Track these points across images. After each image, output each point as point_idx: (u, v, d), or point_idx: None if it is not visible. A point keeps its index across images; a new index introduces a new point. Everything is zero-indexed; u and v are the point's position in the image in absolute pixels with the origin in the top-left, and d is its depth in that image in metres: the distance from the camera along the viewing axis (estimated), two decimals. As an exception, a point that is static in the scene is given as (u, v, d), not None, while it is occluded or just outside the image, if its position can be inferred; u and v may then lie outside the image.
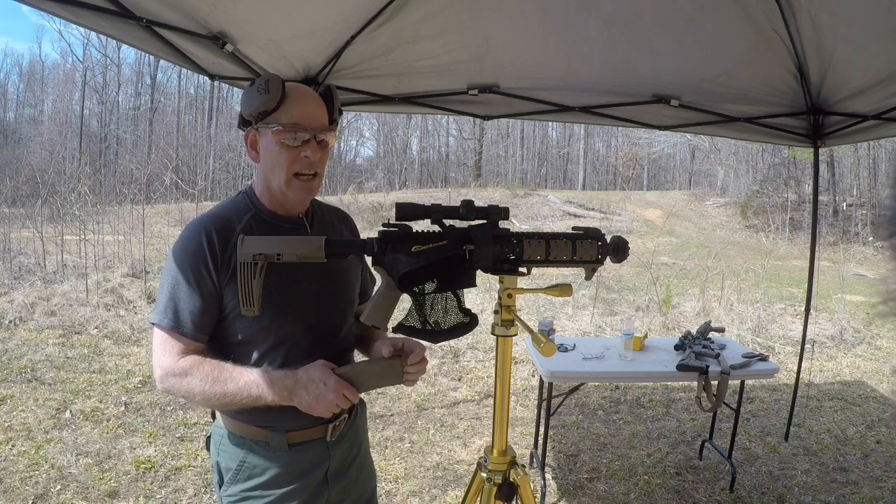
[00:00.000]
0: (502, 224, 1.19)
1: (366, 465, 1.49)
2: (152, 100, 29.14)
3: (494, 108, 3.46)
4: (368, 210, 16.26)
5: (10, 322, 5.63)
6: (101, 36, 16.38)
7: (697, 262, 10.87)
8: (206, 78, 2.78)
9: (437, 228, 1.17)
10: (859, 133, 3.26)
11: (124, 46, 24.43)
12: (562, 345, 3.19)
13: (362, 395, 1.31)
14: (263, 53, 2.65)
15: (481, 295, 7.15)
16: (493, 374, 1.30)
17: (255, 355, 1.26)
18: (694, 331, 3.39)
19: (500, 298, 1.21)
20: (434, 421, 3.93)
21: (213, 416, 1.36)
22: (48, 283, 7.01)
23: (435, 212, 1.15)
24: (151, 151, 21.18)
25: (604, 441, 3.68)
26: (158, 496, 2.84)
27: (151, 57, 11.06)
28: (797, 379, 3.80)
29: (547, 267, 1.20)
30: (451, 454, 3.44)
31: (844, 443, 3.75)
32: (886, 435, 3.90)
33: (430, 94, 3.31)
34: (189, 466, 3.13)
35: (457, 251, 1.13)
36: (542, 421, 3.09)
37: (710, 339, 3.30)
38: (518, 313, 1.24)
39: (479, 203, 1.19)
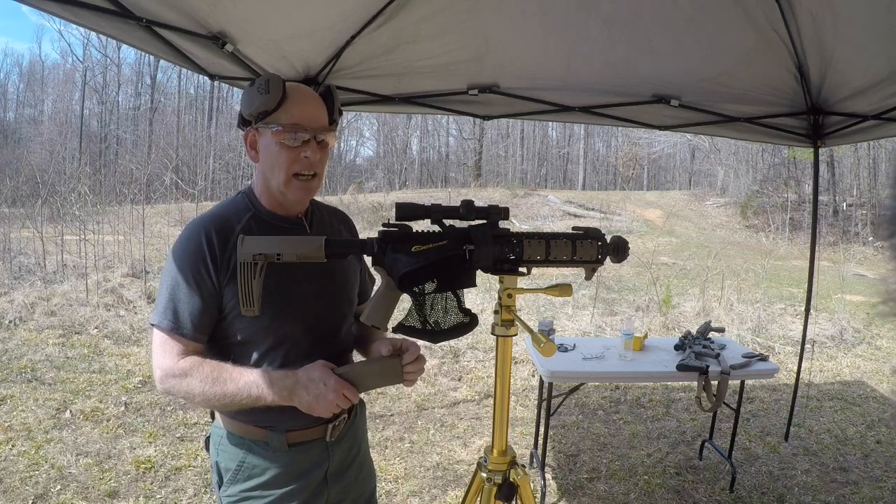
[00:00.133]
0: (502, 224, 1.18)
1: (365, 465, 1.49)
2: (152, 100, 29.15)
3: (494, 108, 3.46)
4: (368, 210, 16.26)
5: (10, 322, 5.63)
6: (101, 36, 16.38)
7: (697, 262, 10.88)
8: (206, 78, 2.78)
9: (437, 228, 1.17)
10: (859, 133, 3.26)
11: (124, 46, 24.44)
12: (562, 345, 3.19)
13: (362, 395, 1.31)
14: (263, 53, 2.65)
15: (481, 295, 7.15)
16: (493, 374, 1.30)
17: (254, 355, 1.25)
18: (694, 331, 3.39)
19: (500, 298, 1.21)
20: (434, 421, 3.93)
21: (213, 417, 1.36)
22: (48, 283, 7.01)
23: (435, 212, 1.15)
24: (151, 151, 21.19)
25: (604, 441, 3.68)
26: (158, 496, 2.84)
27: (151, 57, 11.06)
28: (797, 379, 3.80)
29: (547, 267, 1.20)
30: (451, 454, 3.44)
31: (844, 443, 3.75)
32: (886, 435, 3.90)
33: (430, 94, 3.31)
34: (189, 466, 3.13)
35: (457, 251, 1.13)
36: (542, 421, 3.09)
37: (710, 339, 3.30)
38: (518, 313, 1.24)
39: (479, 203, 1.19)
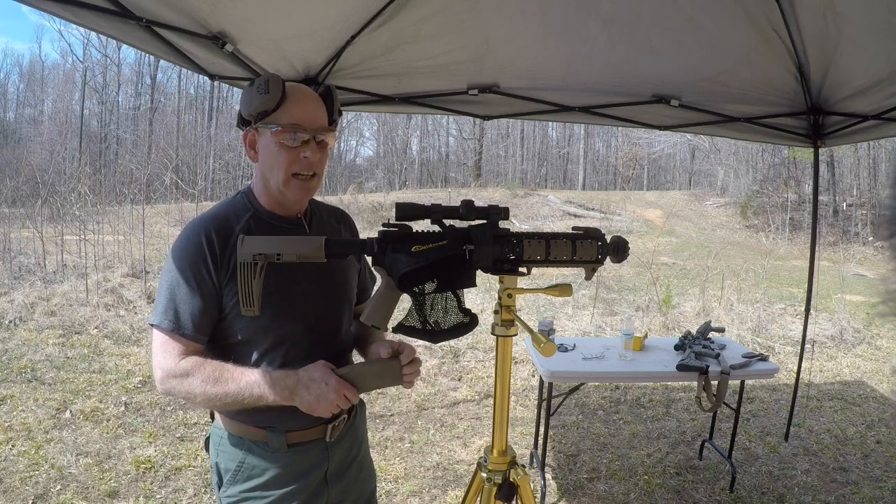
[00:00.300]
0: (502, 224, 1.18)
1: (365, 465, 1.49)
2: (152, 100, 29.14)
3: (494, 108, 3.46)
4: (368, 210, 16.26)
5: (10, 322, 5.63)
6: (101, 36, 16.37)
7: (697, 262, 10.88)
8: (206, 78, 2.78)
9: (437, 228, 1.17)
10: (859, 133, 3.26)
11: (124, 46, 24.44)
12: (562, 345, 3.19)
13: (362, 396, 1.31)
14: (263, 53, 2.65)
15: (481, 295, 7.15)
16: (493, 374, 1.30)
17: (254, 355, 1.25)
18: (694, 331, 3.39)
19: (500, 298, 1.21)
20: (434, 421, 3.93)
21: (212, 417, 1.36)
22: (48, 283, 7.01)
23: (435, 212, 1.15)
24: (151, 151, 21.18)
25: (604, 441, 3.68)
26: (158, 496, 2.84)
27: (151, 57, 11.07)
28: (797, 379, 3.80)
29: (547, 267, 1.20)
30: (451, 454, 3.44)
31: (844, 443, 3.75)
32: (886, 435, 3.90)
33: (430, 94, 3.31)
34: (189, 466, 3.13)
35: (457, 251, 1.13)
36: (542, 421, 3.09)
37: (710, 339, 3.30)
38: (518, 313, 1.24)
39: (479, 203, 1.19)
